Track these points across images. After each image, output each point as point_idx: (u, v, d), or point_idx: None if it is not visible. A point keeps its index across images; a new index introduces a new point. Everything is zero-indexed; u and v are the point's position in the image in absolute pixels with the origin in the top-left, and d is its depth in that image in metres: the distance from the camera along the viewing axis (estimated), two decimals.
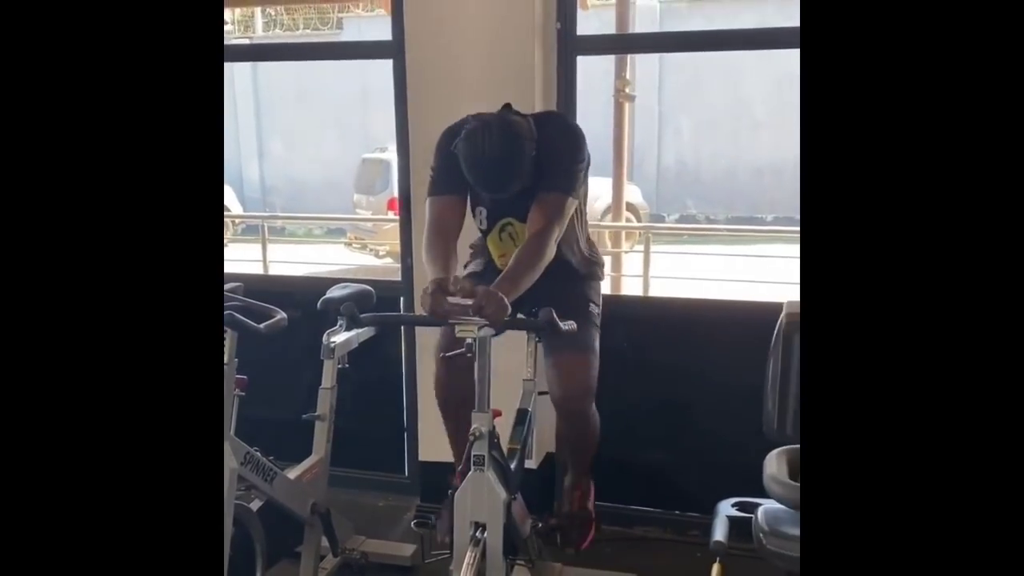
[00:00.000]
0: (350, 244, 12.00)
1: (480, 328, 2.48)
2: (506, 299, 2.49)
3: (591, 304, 3.07)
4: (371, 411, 4.23)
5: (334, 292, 3.32)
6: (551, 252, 2.75)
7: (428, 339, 3.34)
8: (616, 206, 9.67)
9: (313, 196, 15.25)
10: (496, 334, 2.64)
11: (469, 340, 2.53)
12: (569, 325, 2.65)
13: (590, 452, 3.20)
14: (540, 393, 3.02)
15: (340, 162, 14.57)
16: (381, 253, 11.08)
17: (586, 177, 2.93)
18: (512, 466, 2.76)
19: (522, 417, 2.88)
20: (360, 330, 3.36)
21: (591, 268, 3.18)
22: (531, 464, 3.42)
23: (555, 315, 2.56)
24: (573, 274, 3.08)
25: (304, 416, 3.29)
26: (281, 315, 2.82)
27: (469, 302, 2.47)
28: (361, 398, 3.84)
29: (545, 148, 2.78)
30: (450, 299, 2.47)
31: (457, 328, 2.51)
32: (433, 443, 3.65)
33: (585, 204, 3.08)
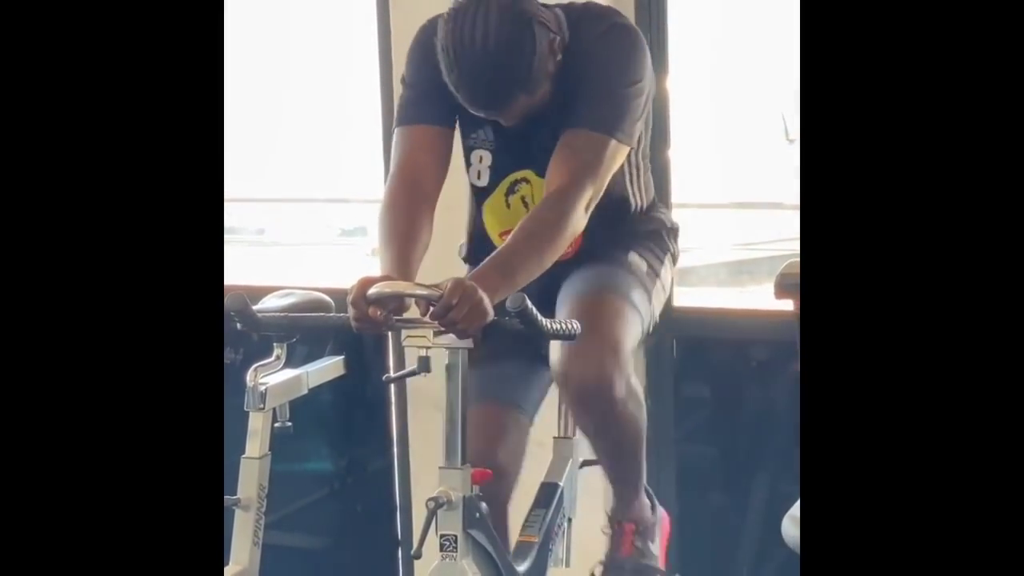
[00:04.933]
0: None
1: (437, 335, 1.92)
2: (487, 298, 1.87)
3: (632, 252, 2.28)
4: (343, 508, 3.54)
5: (268, 303, 2.53)
6: (576, 225, 2.07)
7: (426, 387, 2.49)
8: None
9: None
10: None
11: (422, 354, 1.95)
12: (566, 324, 1.95)
13: (635, 455, 2.32)
14: (586, 463, 2.49)
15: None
16: None
17: (646, 110, 2.20)
18: (521, 567, 2.15)
19: (548, 495, 2.33)
20: (311, 367, 2.66)
21: (649, 225, 2.36)
22: None
23: (529, 303, 1.88)
24: (616, 242, 2.31)
25: None
26: None
27: (421, 292, 1.88)
28: (326, 485, 3.44)
29: (579, 58, 2.12)
30: (385, 287, 1.89)
31: (404, 335, 1.95)
32: None
33: (647, 150, 2.33)
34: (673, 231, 2.39)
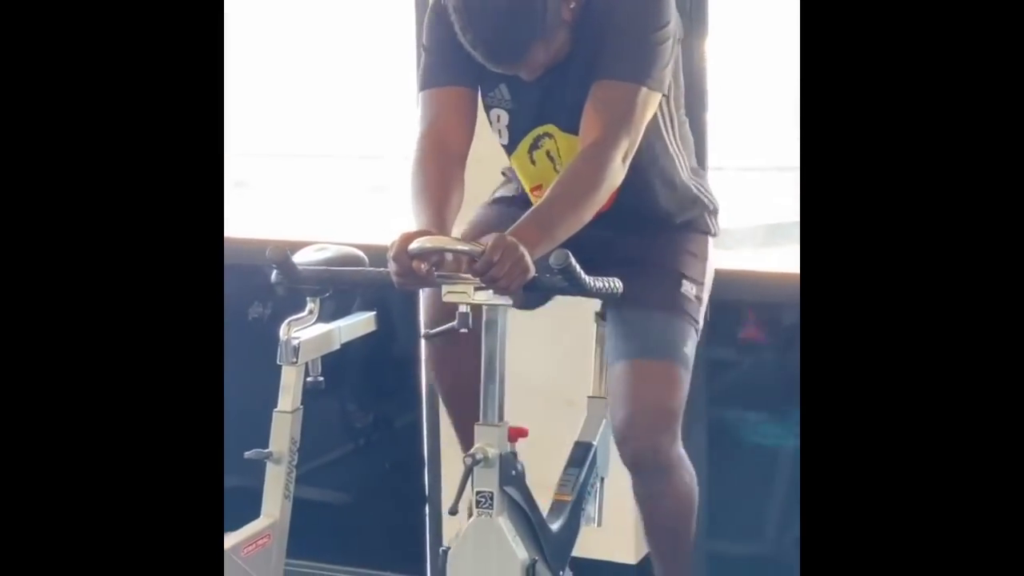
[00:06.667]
0: None
1: (477, 291, 1.88)
2: (528, 254, 1.83)
3: (684, 281, 2.24)
4: (371, 463, 3.51)
5: (304, 257, 2.45)
6: (614, 178, 2.03)
7: None
8: None
9: None
10: (532, 306, 2.17)
11: (463, 309, 1.90)
12: (609, 282, 1.93)
13: (684, 537, 2.29)
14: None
15: None
16: None
17: (675, 54, 2.13)
18: (555, 525, 2.14)
19: (581, 454, 2.30)
20: (343, 322, 2.60)
21: (691, 211, 2.31)
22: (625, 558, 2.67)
23: (572, 259, 1.83)
24: (658, 220, 2.28)
25: (248, 454, 2.47)
26: None
27: (463, 247, 1.86)
28: (354, 440, 3.39)
29: (601, 7, 2.06)
30: (427, 242, 1.85)
31: (445, 289, 1.91)
32: None
33: (680, 100, 2.26)
34: (715, 212, 2.34)
